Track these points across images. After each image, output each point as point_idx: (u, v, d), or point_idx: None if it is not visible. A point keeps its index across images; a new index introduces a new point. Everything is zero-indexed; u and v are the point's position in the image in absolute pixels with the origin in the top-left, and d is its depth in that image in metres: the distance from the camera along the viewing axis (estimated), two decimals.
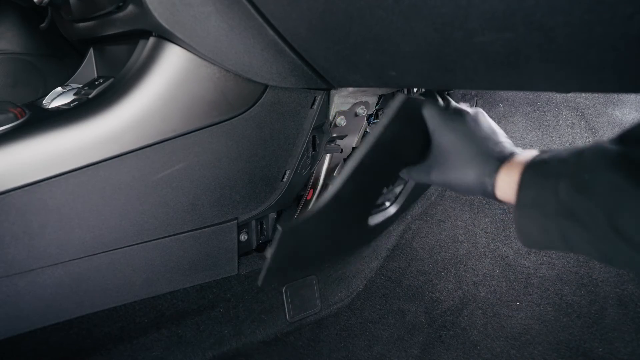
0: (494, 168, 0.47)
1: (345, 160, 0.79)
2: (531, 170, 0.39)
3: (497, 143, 0.49)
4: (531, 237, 0.39)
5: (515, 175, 0.42)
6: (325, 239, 0.71)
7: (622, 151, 0.31)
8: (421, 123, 0.62)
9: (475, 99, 1.29)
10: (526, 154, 0.46)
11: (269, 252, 0.64)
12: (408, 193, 0.87)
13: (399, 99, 0.57)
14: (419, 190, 1.05)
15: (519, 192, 0.39)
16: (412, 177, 0.64)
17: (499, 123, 1.39)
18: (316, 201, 0.66)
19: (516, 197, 0.39)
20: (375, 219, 0.84)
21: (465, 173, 0.50)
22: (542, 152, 0.42)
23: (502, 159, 0.47)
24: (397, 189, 0.86)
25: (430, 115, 0.53)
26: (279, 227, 0.61)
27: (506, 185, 0.45)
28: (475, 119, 0.52)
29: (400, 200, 0.88)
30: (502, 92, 1.25)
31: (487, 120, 0.53)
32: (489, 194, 0.48)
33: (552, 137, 1.15)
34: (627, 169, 0.29)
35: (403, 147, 0.64)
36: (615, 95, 1.13)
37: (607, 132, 1.10)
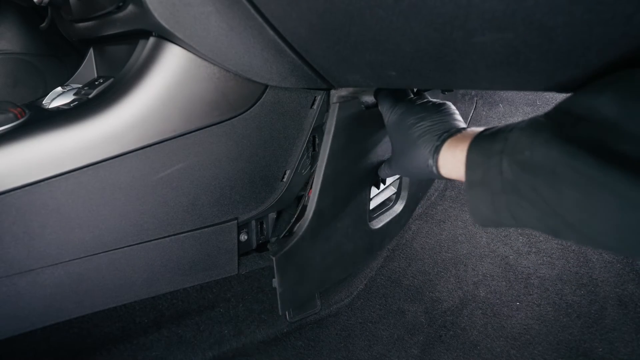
0: (436, 145, 0.48)
1: None
2: (476, 148, 0.39)
3: (441, 122, 0.50)
4: (483, 215, 0.39)
5: (460, 153, 0.42)
6: (328, 253, 0.72)
7: (555, 126, 0.31)
8: (373, 121, 0.63)
9: (475, 99, 1.29)
10: (469, 131, 0.46)
11: (275, 282, 0.65)
12: (408, 188, 0.88)
13: (333, 110, 0.59)
14: (424, 185, 1.05)
15: (466, 171, 0.39)
16: (381, 173, 0.66)
17: (498, 123, 1.41)
18: (297, 220, 0.67)
19: (465, 176, 0.39)
20: (380, 222, 0.84)
21: (413, 156, 0.51)
22: (486, 128, 0.42)
23: (444, 136, 0.48)
24: (394, 188, 0.86)
25: (383, 111, 0.56)
26: (272, 257, 0.62)
27: (449, 162, 0.45)
28: (424, 105, 0.54)
29: (404, 196, 0.89)
30: (502, 92, 1.25)
31: (433, 104, 0.54)
32: (435, 174, 0.48)
33: None
34: (563, 147, 0.29)
35: (365, 147, 0.65)
36: None
37: None
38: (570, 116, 0.31)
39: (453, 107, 0.54)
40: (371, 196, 0.80)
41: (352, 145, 0.64)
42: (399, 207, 0.90)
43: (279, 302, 0.66)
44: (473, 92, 1.29)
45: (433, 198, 1.25)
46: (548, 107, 1.11)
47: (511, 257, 1.06)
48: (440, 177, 0.49)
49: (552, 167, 0.29)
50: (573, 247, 1.03)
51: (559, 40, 0.26)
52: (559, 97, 1.10)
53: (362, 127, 0.64)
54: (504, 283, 1.01)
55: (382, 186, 0.82)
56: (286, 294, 0.67)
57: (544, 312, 0.92)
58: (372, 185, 0.75)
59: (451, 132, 0.48)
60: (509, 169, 0.33)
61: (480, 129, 0.43)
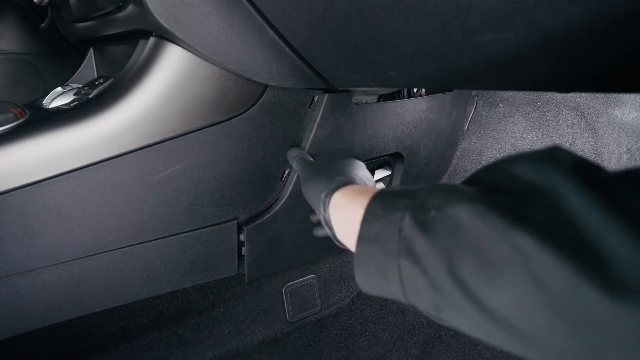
0: (334, 186, 0.44)
1: None
2: (379, 200, 0.34)
3: (343, 170, 0.48)
4: (369, 278, 0.33)
5: (357, 207, 0.37)
6: (301, 233, 0.72)
7: (473, 189, 0.27)
8: (362, 117, 0.64)
9: (476, 99, 1.29)
10: (369, 187, 0.42)
11: (244, 250, 0.66)
12: (399, 183, 0.88)
13: (321, 100, 0.59)
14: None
15: (362, 223, 0.34)
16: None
17: (499, 123, 1.40)
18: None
19: (359, 229, 0.34)
20: None
21: (311, 195, 0.47)
22: (390, 187, 0.37)
23: (345, 181, 0.44)
24: (384, 184, 0.86)
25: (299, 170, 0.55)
26: (244, 227, 0.63)
27: (342, 215, 0.40)
28: (325, 160, 0.52)
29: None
30: (502, 92, 1.25)
31: (337, 159, 0.52)
32: (327, 222, 0.44)
33: (552, 137, 1.15)
34: (474, 208, 0.25)
35: (349, 139, 0.66)
36: (615, 95, 1.13)
37: (607, 131, 1.10)
38: (486, 184, 0.28)
39: (359, 162, 0.53)
40: None
41: (337, 136, 0.64)
42: None
43: (246, 270, 0.67)
44: (473, 92, 1.29)
45: None
46: (548, 107, 1.11)
47: None
48: (334, 237, 0.44)
49: (456, 227, 0.26)
50: None
51: (559, 40, 0.26)
52: (559, 97, 1.10)
53: (349, 120, 0.64)
54: None
55: None
56: (254, 263, 0.68)
57: None
58: None
59: (348, 181, 0.44)
60: (409, 228, 0.29)
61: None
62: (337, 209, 0.42)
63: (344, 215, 0.40)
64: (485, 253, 0.24)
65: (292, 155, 0.59)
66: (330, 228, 0.44)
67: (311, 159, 0.56)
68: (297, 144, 0.62)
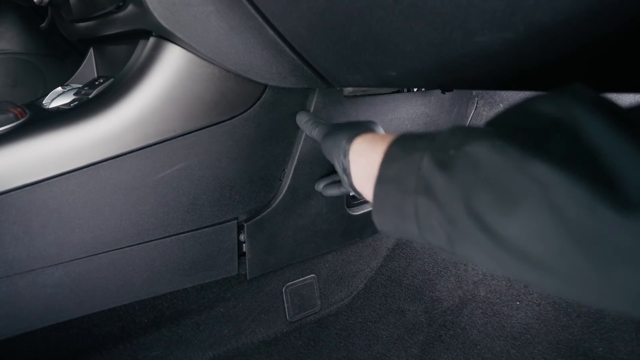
0: (355, 133, 0.44)
1: None
2: (399, 143, 0.34)
3: (365, 123, 0.48)
4: (386, 217, 0.34)
5: (376, 152, 0.37)
6: (301, 229, 0.72)
7: (491, 129, 0.27)
8: (353, 109, 0.64)
9: (476, 99, 1.29)
10: (388, 134, 0.42)
11: (245, 247, 0.67)
12: None
13: (313, 94, 0.59)
14: None
15: (381, 165, 0.34)
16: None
17: None
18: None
19: (378, 170, 0.34)
20: (360, 210, 0.84)
21: (331, 146, 0.48)
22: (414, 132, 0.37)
23: (365, 130, 0.45)
24: None
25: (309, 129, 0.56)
26: (244, 224, 0.63)
27: (362, 160, 0.41)
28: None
29: None
30: (502, 92, 1.25)
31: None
32: (346, 169, 0.44)
33: None
34: (493, 144, 0.25)
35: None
36: (614, 95, 1.13)
37: None
38: (506, 122, 0.28)
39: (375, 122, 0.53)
40: None
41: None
42: None
43: (247, 267, 0.67)
44: (473, 92, 1.28)
45: None
46: None
47: None
48: (351, 185, 0.44)
49: (475, 163, 0.26)
50: None
51: (559, 40, 0.26)
52: None
53: (341, 113, 0.64)
54: (504, 282, 1.01)
55: None
56: (255, 260, 0.68)
57: (544, 311, 0.93)
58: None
59: (365, 129, 0.45)
60: (427, 167, 0.29)
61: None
62: (357, 154, 0.43)
63: (364, 160, 0.41)
64: (502, 186, 0.24)
65: (304, 119, 0.57)
66: (348, 175, 0.44)
67: (322, 121, 0.55)
68: (292, 144, 0.62)
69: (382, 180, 0.34)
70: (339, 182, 0.61)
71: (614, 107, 0.23)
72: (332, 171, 0.70)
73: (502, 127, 0.27)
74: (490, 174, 0.25)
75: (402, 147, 0.33)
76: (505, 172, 0.24)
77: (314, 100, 0.60)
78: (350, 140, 0.44)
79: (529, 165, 0.23)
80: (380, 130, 0.50)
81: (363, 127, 0.47)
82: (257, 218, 0.64)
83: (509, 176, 0.24)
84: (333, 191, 0.60)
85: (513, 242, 0.24)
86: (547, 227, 0.22)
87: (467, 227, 0.26)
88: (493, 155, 0.25)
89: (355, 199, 0.84)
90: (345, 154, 0.44)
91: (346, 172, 0.44)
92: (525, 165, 0.23)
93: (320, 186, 0.64)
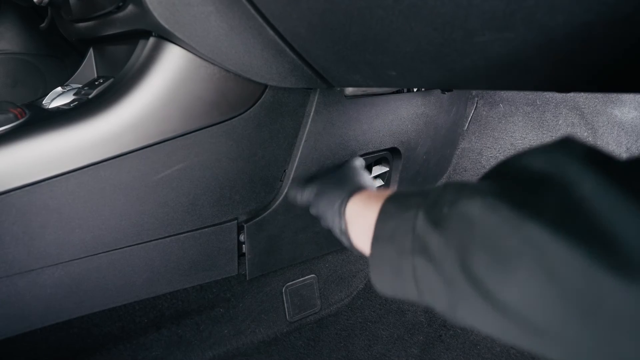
0: (347, 194, 0.45)
1: None
2: (393, 200, 0.34)
3: (355, 179, 0.50)
4: (384, 279, 0.33)
5: (371, 211, 0.37)
6: (301, 230, 0.72)
7: (483, 185, 0.27)
8: (353, 110, 0.65)
9: (476, 99, 1.29)
10: (379, 191, 0.44)
11: (245, 248, 0.67)
12: (398, 184, 0.87)
13: (314, 95, 0.60)
14: (421, 185, 1.05)
15: (377, 223, 0.34)
16: (290, 193, 0.64)
17: (499, 123, 1.40)
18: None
19: (374, 229, 0.34)
20: None
21: (325, 209, 0.49)
22: (404, 189, 0.38)
23: (357, 189, 0.46)
24: (382, 180, 0.86)
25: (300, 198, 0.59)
26: (244, 224, 0.63)
27: (358, 220, 0.41)
28: (328, 174, 0.56)
29: (392, 191, 0.88)
30: (502, 92, 1.25)
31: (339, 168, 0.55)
32: (346, 238, 0.44)
33: (552, 136, 1.15)
34: (485, 201, 0.24)
35: (344, 133, 0.67)
36: (614, 95, 1.13)
37: (606, 131, 1.10)
38: (499, 177, 0.28)
39: (358, 163, 0.56)
40: None
41: (331, 129, 0.64)
42: None
43: (247, 268, 0.68)
44: (473, 92, 1.29)
45: None
46: (548, 107, 1.11)
47: None
48: (348, 241, 0.44)
49: (469, 222, 0.25)
50: None
51: (559, 40, 0.26)
52: (559, 96, 1.10)
53: (342, 114, 0.64)
54: None
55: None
56: (255, 260, 0.68)
57: None
58: None
59: (356, 188, 0.46)
60: (422, 225, 0.29)
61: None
62: (353, 216, 0.43)
63: (361, 221, 0.40)
64: (497, 247, 0.23)
65: (292, 192, 0.60)
66: (347, 237, 0.44)
67: (308, 183, 0.58)
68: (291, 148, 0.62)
69: (378, 239, 0.33)
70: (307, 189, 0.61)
71: (607, 160, 0.23)
72: (332, 172, 0.70)
73: (494, 183, 0.27)
74: (485, 234, 0.24)
75: (396, 204, 0.33)
76: (499, 232, 0.23)
77: (315, 100, 0.60)
78: (344, 202, 0.45)
79: (522, 225, 0.22)
80: (368, 180, 0.51)
81: (354, 185, 0.47)
82: (257, 219, 0.64)
83: (503, 237, 0.23)
84: (299, 194, 0.60)
85: (512, 308, 0.23)
86: (545, 293, 0.21)
87: (466, 289, 0.25)
88: (486, 214, 0.24)
89: None
90: (342, 217, 0.44)
91: (345, 234, 0.44)
92: (518, 225, 0.22)
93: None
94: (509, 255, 0.22)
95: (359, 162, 0.62)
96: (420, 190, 0.33)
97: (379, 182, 0.86)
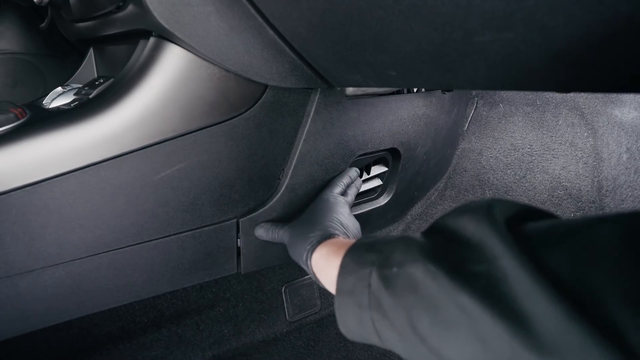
0: (310, 247, 0.48)
1: None
2: (351, 255, 0.37)
3: (324, 224, 0.52)
4: (350, 328, 0.36)
5: (334, 260, 0.40)
6: None
7: (428, 244, 0.30)
8: (354, 110, 0.65)
9: (476, 99, 1.29)
10: (342, 239, 0.46)
11: (240, 243, 0.67)
12: (397, 184, 0.87)
13: (314, 94, 0.62)
14: (421, 186, 1.05)
15: (338, 277, 0.37)
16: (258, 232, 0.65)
17: (498, 123, 1.40)
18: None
19: (336, 282, 0.37)
20: (358, 210, 0.84)
21: (296, 252, 0.52)
22: (367, 236, 0.41)
23: (320, 239, 0.48)
24: (381, 180, 0.86)
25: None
26: (239, 220, 0.63)
27: (323, 269, 0.44)
28: (299, 220, 0.58)
29: (391, 191, 0.89)
30: (502, 92, 1.25)
31: (329, 205, 0.57)
32: (316, 280, 0.48)
33: (552, 136, 1.15)
34: (427, 267, 0.27)
35: (343, 133, 0.67)
36: (614, 95, 1.13)
37: (606, 131, 1.10)
38: (441, 235, 0.30)
39: (332, 195, 0.58)
40: None
41: (330, 129, 0.64)
42: (382, 200, 0.90)
43: (241, 262, 0.68)
44: (473, 92, 1.29)
45: (433, 198, 1.25)
46: (548, 107, 1.11)
47: None
48: (321, 284, 0.47)
49: (413, 285, 0.28)
50: None
51: (559, 40, 0.26)
52: (559, 96, 1.09)
53: (342, 114, 0.64)
54: None
55: (365, 175, 0.83)
56: (250, 256, 0.68)
57: None
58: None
59: (323, 237, 0.48)
60: (376, 284, 0.31)
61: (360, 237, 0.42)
62: (318, 269, 0.46)
63: (325, 274, 0.44)
64: (437, 311, 0.26)
65: (262, 232, 0.62)
66: (314, 275, 0.48)
67: (280, 226, 0.60)
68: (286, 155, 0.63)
69: (340, 293, 0.36)
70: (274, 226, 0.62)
71: (525, 231, 0.25)
72: (332, 173, 0.70)
73: (435, 246, 0.30)
74: (426, 297, 0.27)
75: (354, 259, 0.36)
76: (437, 298, 0.26)
77: (315, 100, 0.60)
78: (308, 256, 0.48)
79: (456, 294, 0.25)
80: (340, 213, 0.54)
81: (320, 231, 0.50)
82: (252, 215, 0.64)
83: (441, 302, 0.26)
84: (268, 234, 0.62)
85: None
86: (479, 355, 0.24)
87: (415, 344, 0.28)
88: (427, 280, 0.27)
89: (355, 199, 0.84)
90: (310, 270, 0.48)
91: (318, 281, 0.48)
92: (453, 294, 0.25)
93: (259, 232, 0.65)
94: (447, 318, 0.25)
95: (333, 193, 0.63)
96: (376, 242, 0.36)
97: (377, 182, 0.86)
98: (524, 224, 0.26)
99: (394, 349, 0.32)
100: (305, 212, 0.60)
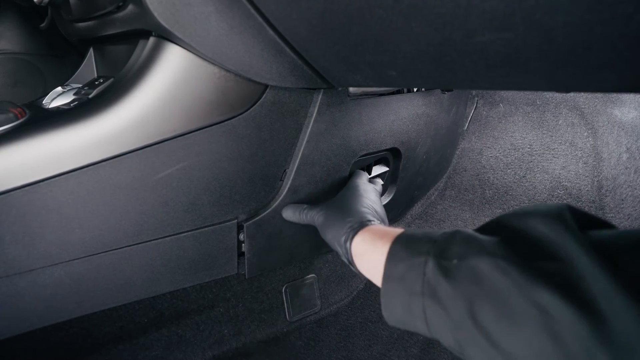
0: (352, 231, 0.48)
1: None
2: (401, 243, 0.37)
3: (360, 209, 0.52)
4: (396, 313, 0.36)
5: (380, 246, 0.40)
6: (301, 229, 0.73)
7: (491, 240, 0.30)
8: (357, 111, 0.65)
9: (476, 99, 1.29)
10: (381, 226, 0.46)
11: (244, 247, 0.67)
12: (398, 184, 0.88)
13: (317, 95, 0.62)
14: (422, 185, 1.05)
15: (387, 263, 0.37)
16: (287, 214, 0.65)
17: (499, 123, 1.40)
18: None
19: (384, 268, 0.37)
20: None
21: (332, 240, 0.51)
22: (409, 229, 0.41)
23: (360, 224, 0.48)
24: (382, 180, 0.86)
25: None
26: (244, 224, 0.64)
27: (366, 254, 0.44)
28: (357, 184, 0.58)
29: (392, 190, 0.89)
30: (502, 92, 1.25)
31: (364, 187, 0.57)
32: (351, 262, 0.47)
33: (552, 136, 1.15)
34: (495, 262, 0.28)
35: (346, 134, 0.67)
36: (614, 95, 1.13)
37: (606, 131, 1.10)
38: (504, 232, 0.31)
39: (362, 181, 0.58)
40: None
41: (333, 130, 0.64)
42: (384, 200, 0.90)
43: (246, 266, 0.68)
44: (473, 92, 1.29)
45: (433, 197, 1.25)
46: (548, 107, 1.11)
47: None
48: (356, 270, 0.47)
49: (478, 277, 0.28)
50: None
51: (559, 40, 0.26)
52: (559, 96, 1.09)
53: (344, 114, 0.65)
54: None
55: (367, 175, 0.83)
56: (254, 260, 0.68)
57: None
58: (352, 171, 0.75)
59: (362, 222, 0.49)
60: (432, 272, 0.32)
61: (399, 229, 0.42)
62: (359, 253, 0.45)
63: (368, 258, 0.43)
64: (505, 304, 0.26)
65: (290, 212, 0.62)
66: (355, 267, 0.47)
67: (310, 208, 0.60)
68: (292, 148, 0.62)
69: (389, 278, 0.36)
70: (303, 209, 0.62)
71: (599, 235, 0.26)
72: (334, 174, 0.70)
73: (500, 242, 0.30)
74: (494, 291, 0.27)
75: (406, 247, 0.36)
76: (508, 292, 0.26)
77: (318, 101, 0.60)
78: (349, 238, 0.47)
79: (531, 290, 0.25)
80: (373, 202, 0.54)
81: (359, 217, 0.50)
82: (256, 218, 0.64)
83: (512, 296, 0.26)
84: (295, 216, 0.62)
85: (516, 356, 0.26)
86: (548, 350, 0.24)
87: (473, 334, 0.28)
88: (496, 274, 0.27)
89: None
90: (347, 252, 0.47)
91: (352, 264, 0.47)
92: (528, 289, 0.25)
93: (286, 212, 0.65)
94: (516, 312, 0.26)
95: (363, 180, 0.63)
96: (427, 234, 0.36)
97: (379, 182, 0.86)
98: (597, 233, 0.27)
99: (441, 338, 0.32)
100: (336, 197, 0.59)
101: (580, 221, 0.28)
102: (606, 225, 0.29)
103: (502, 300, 0.26)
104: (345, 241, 0.47)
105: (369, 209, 0.53)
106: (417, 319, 0.33)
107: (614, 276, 0.22)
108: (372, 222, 0.50)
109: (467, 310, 0.28)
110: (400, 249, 0.37)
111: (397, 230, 0.41)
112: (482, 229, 0.34)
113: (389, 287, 0.36)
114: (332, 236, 0.51)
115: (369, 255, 0.43)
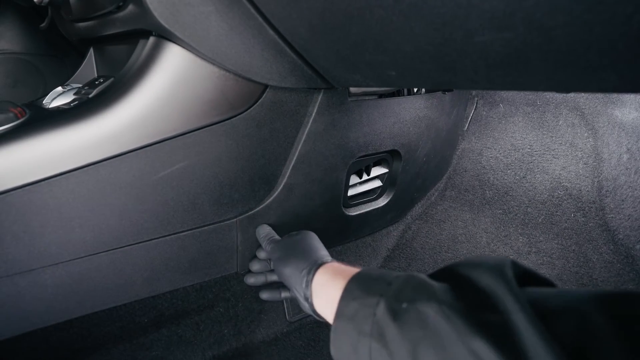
0: (313, 267, 0.48)
1: None
2: (357, 282, 0.38)
3: (319, 252, 0.53)
4: (342, 352, 0.37)
5: (337, 285, 0.41)
6: (295, 227, 0.72)
7: (441, 287, 0.32)
8: (356, 112, 0.65)
9: (476, 99, 1.29)
10: (340, 265, 0.47)
11: (238, 241, 0.67)
12: (397, 185, 0.87)
13: (317, 95, 0.60)
14: (421, 187, 1.05)
15: (340, 301, 0.38)
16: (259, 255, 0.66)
17: (499, 123, 1.40)
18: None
19: (337, 305, 0.38)
20: (357, 210, 0.84)
21: (290, 273, 0.52)
22: (371, 267, 0.42)
23: (320, 262, 0.49)
24: (381, 181, 0.86)
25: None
26: (237, 219, 0.63)
27: (324, 292, 0.44)
28: (287, 241, 0.57)
29: (390, 192, 0.89)
30: (502, 92, 1.25)
31: (294, 239, 0.57)
32: (307, 298, 0.48)
33: (552, 137, 1.15)
34: (440, 308, 0.29)
35: (344, 134, 0.67)
36: (615, 95, 1.13)
37: (607, 131, 1.10)
38: (453, 281, 0.32)
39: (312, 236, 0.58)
40: (353, 184, 0.80)
41: (331, 131, 0.64)
42: (382, 201, 0.90)
43: (237, 260, 0.68)
44: (473, 93, 1.29)
45: (433, 198, 1.25)
46: (548, 107, 1.10)
47: (511, 257, 1.06)
48: (315, 313, 0.48)
49: (424, 322, 0.29)
50: (573, 247, 1.03)
51: (559, 40, 0.26)
52: (559, 97, 1.09)
53: (344, 115, 0.64)
54: None
55: (365, 176, 0.83)
56: (246, 254, 0.68)
57: None
58: (349, 172, 0.75)
59: (321, 260, 0.49)
60: (382, 314, 0.32)
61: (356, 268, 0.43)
62: (319, 286, 0.46)
63: (325, 294, 0.44)
64: (446, 350, 0.27)
65: (262, 234, 0.63)
66: (310, 303, 0.48)
67: (278, 237, 0.61)
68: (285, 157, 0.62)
69: (341, 317, 0.37)
70: (279, 288, 0.63)
71: (535, 293, 0.28)
72: (331, 173, 0.70)
73: (448, 290, 0.31)
74: (436, 336, 0.28)
75: (360, 286, 0.37)
76: (449, 338, 0.27)
77: (318, 101, 0.60)
78: (311, 271, 0.48)
79: (470, 338, 0.26)
80: (327, 253, 0.55)
81: (318, 256, 0.51)
82: (249, 213, 0.64)
83: (452, 343, 0.27)
84: (270, 295, 0.62)
85: None
86: None
87: None
88: (440, 320, 0.28)
89: (354, 200, 0.84)
90: (308, 285, 0.48)
91: (308, 300, 0.48)
92: (467, 337, 0.26)
93: (254, 267, 0.65)
94: (455, 359, 0.27)
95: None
96: (383, 274, 0.37)
97: (377, 183, 0.86)
98: (530, 287, 0.29)
99: None
100: (290, 239, 0.60)
101: (522, 277, 0.30)
102: (545, 282, 0.31)
103: (443, 345, 0.27)
104: (307, 274, 0.48)
105: (325, 250, 0.55)
106: (362, 359, 0.34)
107: (544, 332, 0.24)
108: (331, 260, 0.51)
109: (410, 354, 0.29)
110: (354, 287, 0.38)
111: (355, 270, 0.43)
112: (435, 275, 0.35)
113: (339, 324, 0.36)
114: (292, 269, 0.52)
115: (327, 290, 0.44)
